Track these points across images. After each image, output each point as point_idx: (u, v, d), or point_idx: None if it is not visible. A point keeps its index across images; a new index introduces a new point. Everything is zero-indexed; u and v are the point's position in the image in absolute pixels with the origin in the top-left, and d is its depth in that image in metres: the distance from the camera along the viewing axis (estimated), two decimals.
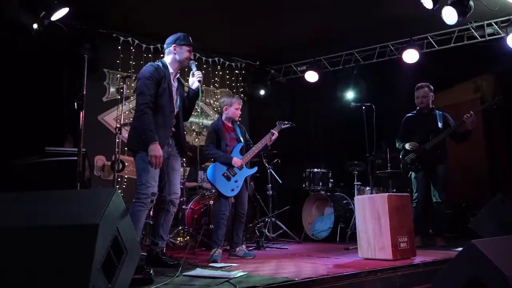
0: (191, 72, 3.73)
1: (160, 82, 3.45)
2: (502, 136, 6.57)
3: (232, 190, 4.14)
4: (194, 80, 3.68)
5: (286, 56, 7.43)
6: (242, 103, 4.44)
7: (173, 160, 3.61)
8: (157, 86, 3.42)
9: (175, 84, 3.60)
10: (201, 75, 3.68)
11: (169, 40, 3.69)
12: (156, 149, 3.25)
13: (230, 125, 4.39)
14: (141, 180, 3.29)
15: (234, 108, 4.33)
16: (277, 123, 4.55)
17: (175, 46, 3.62)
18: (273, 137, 4.34)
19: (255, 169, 4.46)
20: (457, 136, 4.96)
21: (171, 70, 3.59)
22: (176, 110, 3.60)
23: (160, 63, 3.60)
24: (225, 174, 4.16)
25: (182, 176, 6.03)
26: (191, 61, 3.66)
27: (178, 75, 3.71)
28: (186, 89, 3.91)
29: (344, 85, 7.29)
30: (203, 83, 7.02)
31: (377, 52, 6.80)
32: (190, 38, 3.70)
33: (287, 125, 4.58)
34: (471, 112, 4.74)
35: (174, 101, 3.57)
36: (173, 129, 3.57)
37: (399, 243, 3.66)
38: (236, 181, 4.17)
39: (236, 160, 4.19)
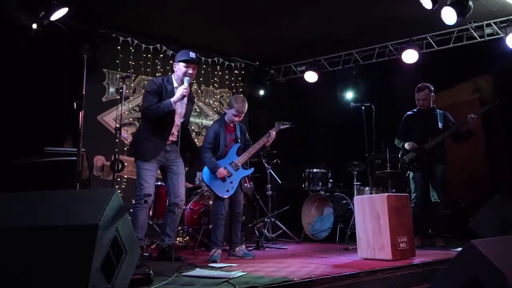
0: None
1: (161, 95, 3.79)
2: (502, 136, 6.57)
3: (227, 191, 4.13)
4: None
5: (286, 56, 7.43)
6: (243, 111, 4.25)
7: (174, 165, 3.95)
8: (159, 97, 3.78)
9: None
10: (185, 89, 3.73)
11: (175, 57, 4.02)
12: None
13: (231, 125, 4.37)
14: (136, 183, 3.81)
15: (231, 113, 4.24)
16: (275, 123, 4.53)
17: (174, 64, 3.93)
18: (271, 138, 4.31)
19: (251, 170, 4.44)
20: (459, 136, 4.96)
21: (175, 84, 3.88)
22: (181, 121, 3.89)
23: (165, 77, 3.98)
24: None
25: None
26: (187, 77, 3.81)
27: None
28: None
29: (343, 85, 7.28)
30: (202, 83, 7.17)
31: (377, 52, 6.80)
32: (189, 53, 3.86)
33: (286, 126, 4.56)
34: (474, 114, 4.74)
35: (178, 113, 3.83)
36: (176, 138, 3.90)
37: (398, 243, 3.67)
38: (231, 182, 4.17)
39: (221, 171, 4.09)
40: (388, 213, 3.67)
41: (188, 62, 3.83)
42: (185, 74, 3.81)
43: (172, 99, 3.72)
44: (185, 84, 3.75)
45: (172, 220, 3.94)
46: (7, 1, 4.48)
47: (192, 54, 3.85)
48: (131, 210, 3.72)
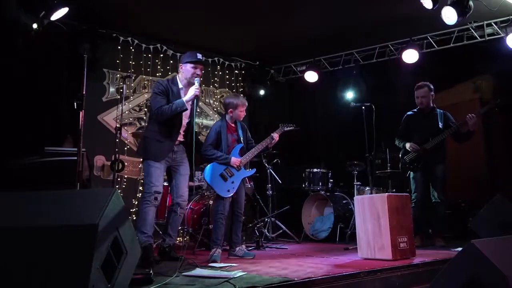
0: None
1: (168, 96, 3.81)
2: (501, 136, 6.57)
3: (228, 191, 4.14)
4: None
5: (286, 56, 7.43)
6: (246, 103, 4.41)
7: (180, 165, 3.98)
8: (167, 98, 3.80)
9: None
10: (197, 89, 3.78)
11: (180, 58, 4.05)
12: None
13: (233, 125, 4.38)
14: (146, 181, 3.77)
15: (238, 111, 4.31)
16: (280, 125, 4.52)
17: (181, 65, 3.95)
18: (273, 141, 4.32)
19: (253, 171, 4.45)
20: (459, 136, 4.95)
21: (180, 85, 3.92)
22: (186, 121, 3.94)
23: (170, 79, 4.01)
24: (222, 175, 4.16)
25: None
26: (196, 78, 3.85)
27: None
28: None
29: (343, 85, 7.28)
30: (202, 83, 7.16)
31: (377, 52, 6.79)
32: (197, 54, 3.89)
33: (291, 128, 4.54)
34: (473, 114, 4.74)
35: (184, 114, 3.86)
36: (182, 138, 3.97)
37: (398, 243, 3.67)
38: (232, 182, 4.18)
39: (234, 160, 4.19)
40: (388, 213, 3.67)
41: (195, 63, 3.87)
42: (193, 75, 3.86)
43: (184, 99, 3.75)
44: (196, 84, 3.79)
45: (174, 220, 3.96)
46: (7, 1, 4.48)
47: (199, 56, 3.90)
48: (133, 210, 3.72)
